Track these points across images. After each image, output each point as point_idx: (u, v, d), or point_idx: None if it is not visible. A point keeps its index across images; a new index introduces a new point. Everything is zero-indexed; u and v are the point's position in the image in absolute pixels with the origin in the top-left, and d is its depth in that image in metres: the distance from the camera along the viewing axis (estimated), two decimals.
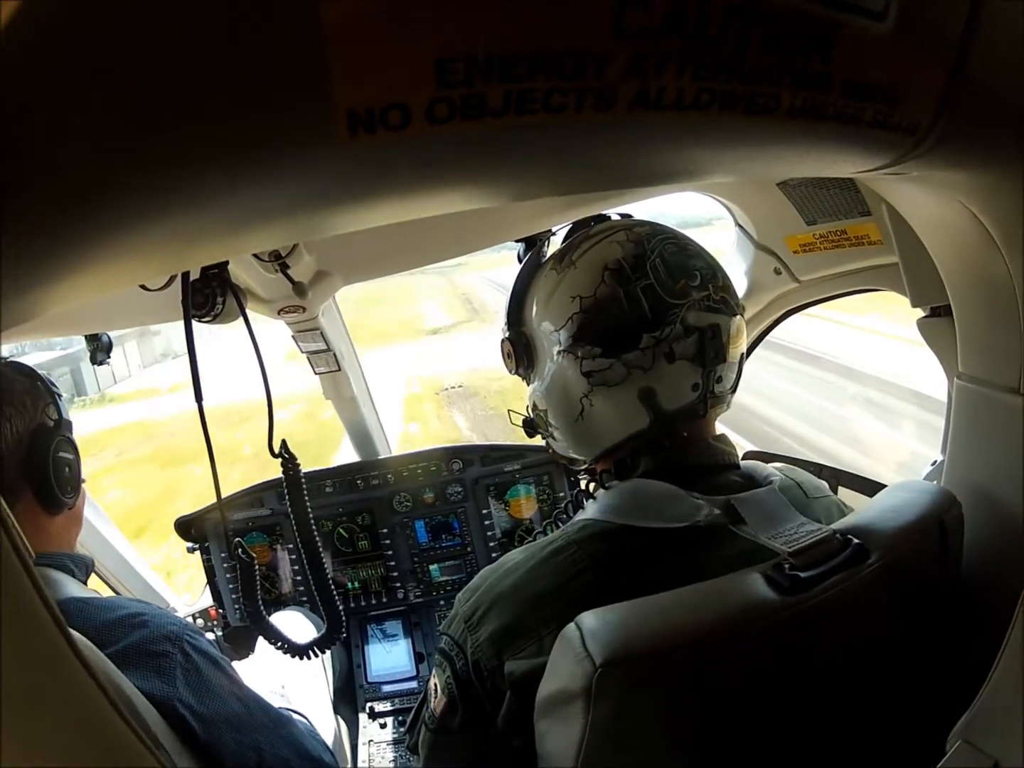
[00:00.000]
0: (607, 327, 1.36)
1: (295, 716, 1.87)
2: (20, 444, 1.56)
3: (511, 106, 0.67)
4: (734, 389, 1.49)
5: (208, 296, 1.74)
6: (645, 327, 1.33)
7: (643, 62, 0.69)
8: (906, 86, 0.88)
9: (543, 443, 1.67)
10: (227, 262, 1.79)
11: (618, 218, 1.58)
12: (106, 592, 3.47)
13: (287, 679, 2.46)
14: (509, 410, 1.75)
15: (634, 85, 0.70)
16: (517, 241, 1.96)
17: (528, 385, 1.58)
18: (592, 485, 1.53)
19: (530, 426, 1.66)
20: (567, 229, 1.64)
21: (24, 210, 0.57)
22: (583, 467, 1.62)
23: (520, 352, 1.53)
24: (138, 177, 0.60)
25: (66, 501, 1.64)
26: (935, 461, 2.06)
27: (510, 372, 1.59)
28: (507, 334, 1.56)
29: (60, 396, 1.70)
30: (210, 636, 1.67)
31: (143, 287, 1.72)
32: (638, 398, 1.37)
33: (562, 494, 3.44)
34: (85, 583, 1.69)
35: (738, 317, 1.43)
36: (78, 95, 0.55)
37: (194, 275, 1.70)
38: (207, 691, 1.49)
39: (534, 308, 1.50)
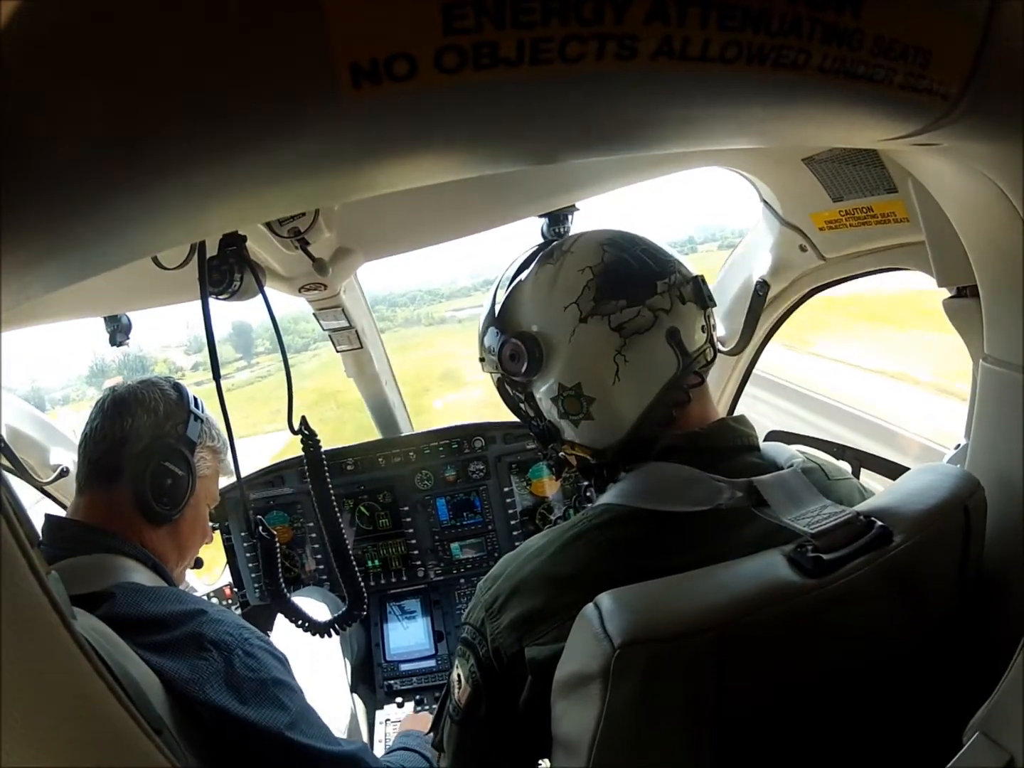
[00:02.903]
0: (625, 280, 1.47)
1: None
2: (136, 440, 1.72)
3: (525, 55, 0.64)
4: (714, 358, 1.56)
5: (226, 273, 1.73)
6: (656, 276, 1.48)
7: (665, 7, 0.66)
8: (938, 48, 0.86)
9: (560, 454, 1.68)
10: (245, 238, 1.78)
11: None
12: None
13: (306, 656, 2.48)
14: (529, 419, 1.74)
15: (657, 32, 0.67)
16: (540, 216, 1.95)
17: (535, 389, 1.58)
18: (608, 471, 1.53)
19: (543, 437, 1.68)
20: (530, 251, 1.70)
21: (28, 181, 0.56)
22: (608, 458, 1.56)
23: (531, 346, 1.51)
24: (139, 144, 0.59)
25: (158, 509, 1.72)
26: (958, 444, 2.03)
27: (514, 376, 1.57)
28: (504, 340, 1.56)
29: (200, 420, 1.86)
30: None
31: (160, 266, 1.72)
32: (666, 340, 1.43)
33: None
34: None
35: None
36: (82, 64, 0.54)
37: (212, 252, 1.70)
38: (237, 707, 1.46)
39: (533, 303, 1.54)
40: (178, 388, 1.89)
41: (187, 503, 1.82)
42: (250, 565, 3.38)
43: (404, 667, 3.37)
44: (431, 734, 1.60)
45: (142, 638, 1.36)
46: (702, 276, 1.53)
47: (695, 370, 1.48)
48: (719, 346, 1.56)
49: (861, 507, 1.25)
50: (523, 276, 1.59)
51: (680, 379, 1.45)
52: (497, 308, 1.61)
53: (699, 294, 1.50)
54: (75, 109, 0.55)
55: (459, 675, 1.41)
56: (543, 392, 1.55)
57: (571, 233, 1.65)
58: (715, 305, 1.55)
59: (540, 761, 1.42)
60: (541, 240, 1.81)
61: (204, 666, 1.44)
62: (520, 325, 1.55)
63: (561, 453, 1.64)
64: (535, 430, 1.68)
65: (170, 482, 1.74)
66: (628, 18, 0.65)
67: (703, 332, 1.50)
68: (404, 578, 3.53)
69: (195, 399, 1.91)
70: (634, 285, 1.45)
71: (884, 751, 1.24)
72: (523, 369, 1.53)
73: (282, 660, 1.63)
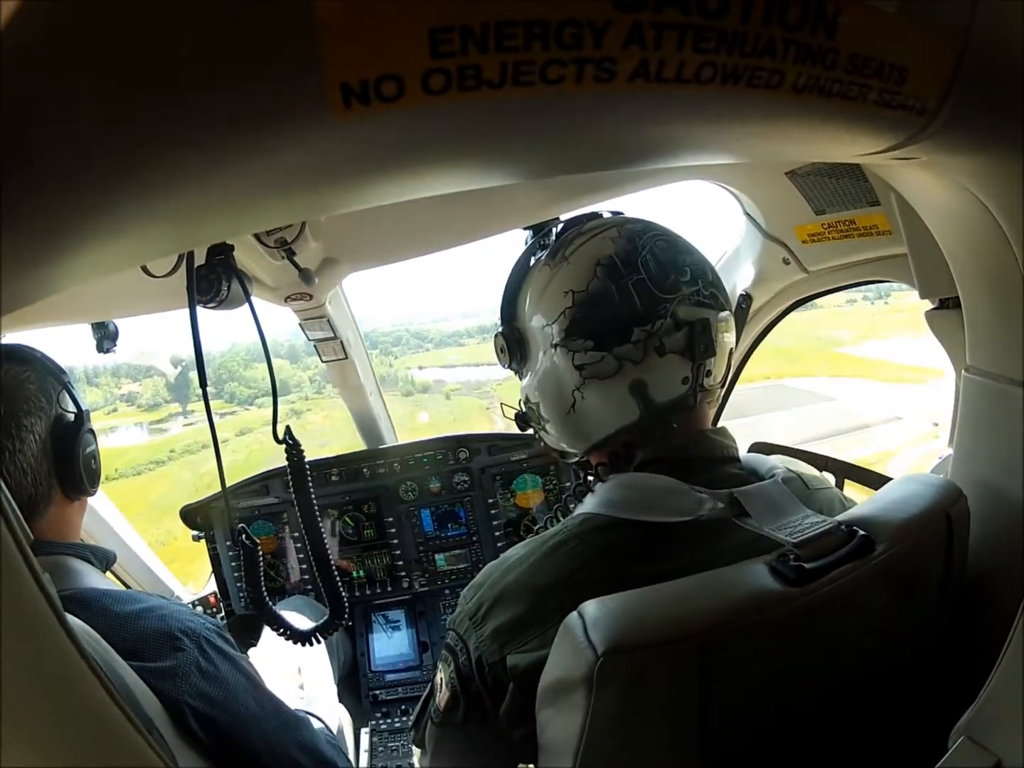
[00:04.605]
0: (599, 321, 1.38)
1: (312, 720, 1.87)
2: (46, 448, 1.54)
3: (508, 77, 0.66)
4: (724, 383, 1.51)
5: (213, 282, 1.73)
6: (636, 321, 1.36)
7: (642, 31, 0.68)
8: (913, 64, 0.87)
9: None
10: (232, 248, 1.79)
11: (611, 216, 1.59)
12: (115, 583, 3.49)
13: (294, 667, 2.48)
14: (502, 403, 1.76)
15: (634, 56, 0.69)
16: (525, 229, 1.96)
17: (521, 379, 1.60)
18: (591, 479, 1.54)
19: (522, 420, 1.68)
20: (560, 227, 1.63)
21: (25, 188, 0.57)
22: (574, 460, 1.63)
23: (513, 347, 1.54)
24: (136, 154, 0.59)
25: (92, 492, 1.66)
26: (942, 455, 2.05)
27: (503, 366, 1.61)
28: (501, 329, 1.58)
29: (69, 379, 1.66)
30: None
31: (149, 274, 1.72)
32: (629, 391, 1.38)
33: (568, 484, 3.38)
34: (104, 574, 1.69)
35: (727, 311, 1.46)
36: (79, 75, 0.55)
37: (200, 261, 1.70)
38: (222, 688, 1.50)
39: (527, 303, 1.52)
40: (23, 358, 1.61)
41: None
42: (235, 574, 3.36)
43: (389, 677, 3.37)
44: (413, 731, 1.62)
45: (115, 642, 1.35)
46: (705, 321, 1.39)
47: (665, 416, 1.42)
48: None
49: (843, 516, 1.26)
50: (532, 266, 1.56)
51: (641, 424, 1.41)
52: (505, 295, 1.60)
53: (690, 344, 1.37)
54: (72, 114, 0.56)
55: (441, 679, 1.42)
56: (523, 386, 1.58)
57: (592, 224, 1.50)
58: (714, 355, 1.41)
59: (520, 766, 1.43)
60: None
61: (183, 657, 1.44)
62: (513, 319, 1.56)
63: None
64: (517, 414, 1.70)
65: (94, 463, 1.66)
66: (606, 43, 0.67)
67: (685, 384, 1.40)
68: (389, 589, 3.52)
69: (44, 355, 1.66)
70: (605, 329, 1.38)
71: (869, 756, 1.24)
72: (507, 364, 1.58)
73: (230, 641, 1.63)
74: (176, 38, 0.55)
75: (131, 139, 0.58)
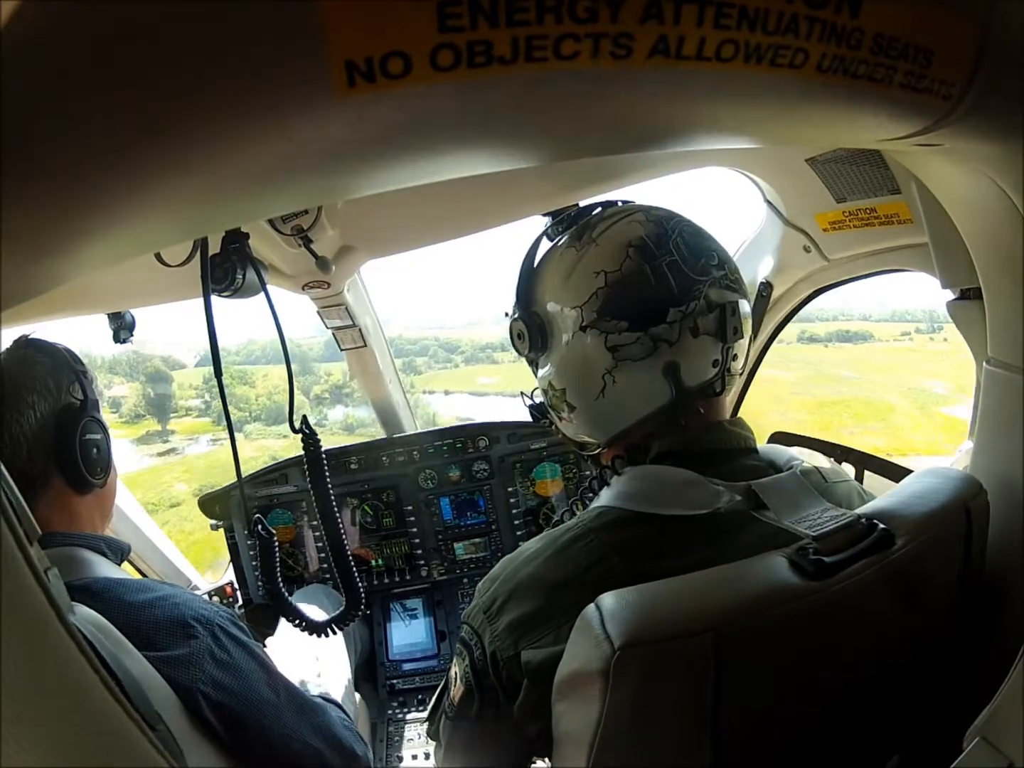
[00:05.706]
0: (634, 301, 1.35)
1: (330, 706, 1.88)
2: (45, 428, 1.57)
3: (520, 53, 0.65)
4: (741, 372, 1.50)
5: (228, 270, 1.73)
6: (672, 301, 1.34)
7: (660, 5, 0.67)
8: (939, 47, 0.86)
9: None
10: (247, 235, 1.78)
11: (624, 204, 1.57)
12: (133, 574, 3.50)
13: (312, 655, 2.48)
14: (521, 392, 1.74)
15: (652, 31, 0.68)
16: (544, 215, 1.95)
17: (538, 368, 1.57)
18: (607, 472, 1.51)
19: (538, 410, 1.67)
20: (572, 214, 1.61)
21: (30, 177, 0.56)
22: (593, 452, 1.61)
23: (534, 333, 1.50)
24: (139, 140, 0.59)
25: (95, 483, 1.66)
26: (963, 448, 2.03)
27: (520, 354, 1.58)
28: (518, 315, 1.55)
29: (86, 373, 1.69)
30: None
31: (163, 263, 1.72)
32: (662, 372, 1.36)
33: (588, 472, 3.40)
34: (119, 566, 1.70)
35: (746, 302, 1.44)
36: (81, 64, 0.54)
37: (215, 250, 1.70)
38: (236, 675, 1.50)
39: (549, 287, 1.49)
40: (40, 348, 1.68)
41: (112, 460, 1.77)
42: (253, 564, 3.38)
43: (406, 667, 3.39)
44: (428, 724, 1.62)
45: (127, 632, 1.35)
46: (734, 304, 1.39)
47: (693, 401, 1.42)
48: None
49: (863, 510, 1.24)
50: (549, 250, 1.55)
51: (670, 408, 1.40)
52: (520, 280, 1.57)
53: (721, 326, 1.37)
54: (76, 107, 0.55)
55: (455, 673, 1.42)
56: (542, 375, 1.55)
57: (613, 209, 1.50)
58: (742, 337, 1.42)
59: (536, 760, 1.42)
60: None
61: (196, 644, 1.45)
62: (532, 304, 1.53)
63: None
64: (532, 405, 1.70)
65: (96, 452, 1.68)
66: (623, 16, 0.66)
67: (715, 367, 1.40)
68: (407, 577, 3.53)
69: (66, 349, 1.72)
70: (641, 309, 1.36)
71: (883, 754, 1.24)
72: (526, 351, 1.55)
73: (244, 629, 1.64)
74: (177, 24, 0.54)
75: (133, 125, 0.58)
